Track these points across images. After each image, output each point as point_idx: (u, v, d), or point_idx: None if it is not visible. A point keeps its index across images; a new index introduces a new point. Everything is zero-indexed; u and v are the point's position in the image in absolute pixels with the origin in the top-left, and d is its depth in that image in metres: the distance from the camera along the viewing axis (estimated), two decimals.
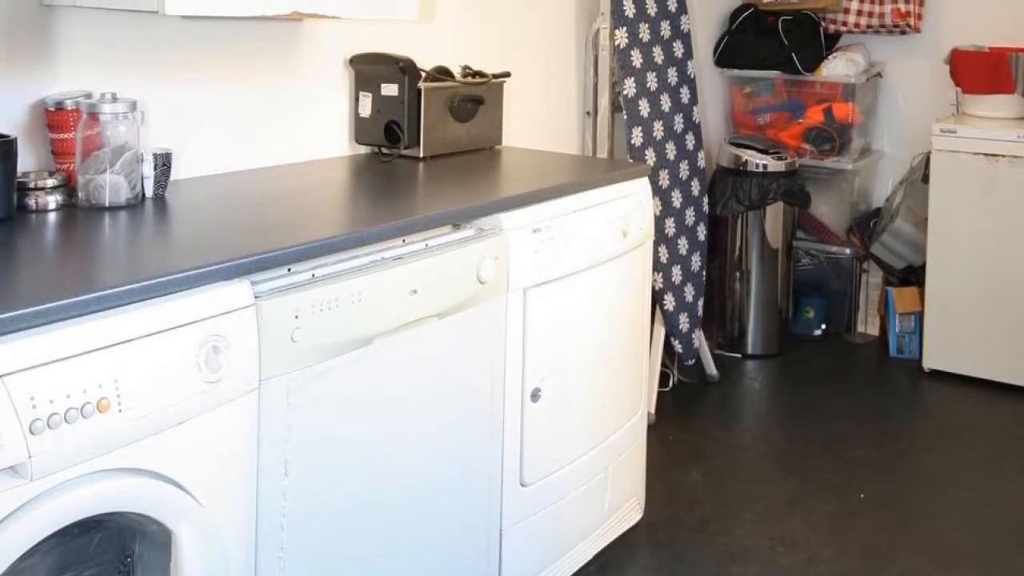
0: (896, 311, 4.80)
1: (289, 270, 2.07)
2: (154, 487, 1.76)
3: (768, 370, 4.69)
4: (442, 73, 3.23)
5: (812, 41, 4.97)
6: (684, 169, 4.15)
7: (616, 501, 3.10)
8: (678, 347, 4.17)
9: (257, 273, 1.98)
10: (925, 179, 4.59)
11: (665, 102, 4.06)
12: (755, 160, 4.69)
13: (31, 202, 2.23)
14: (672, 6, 4.18)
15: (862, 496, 3.51)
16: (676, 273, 4.08)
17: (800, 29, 4.97)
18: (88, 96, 2.36)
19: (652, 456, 3.43)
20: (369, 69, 3.14)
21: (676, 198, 4.09)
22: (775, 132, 5.06)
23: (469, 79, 3.31)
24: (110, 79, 2.51)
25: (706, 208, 4.31)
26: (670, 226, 4.06)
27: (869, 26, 4.98)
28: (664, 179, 4.02)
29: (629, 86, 3.91)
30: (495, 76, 3.38)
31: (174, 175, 2.54)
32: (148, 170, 2.40)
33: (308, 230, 2.18)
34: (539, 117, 4.00)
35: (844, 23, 5.02)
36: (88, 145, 2.28)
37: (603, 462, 3.00)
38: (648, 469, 3.33)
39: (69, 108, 2.33)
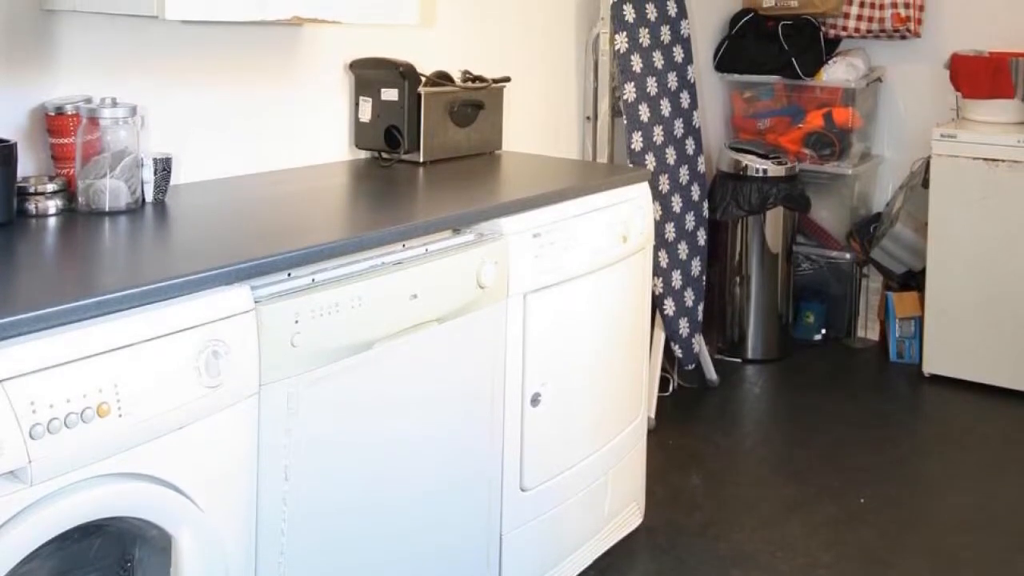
0: (896, 316, 4.80)
1: (289, 275, 2.07)
2: (154, 492, 1.76)
3: (768, 375, 4.69)
4: (442, 78, 3.23)
5: (812, 46, 4.97)
6: (684, 174, 4.15)
7: (616, 506, 3.10)
8: (678, 352, 4.17)
9: (257, 278, 1.98)
10: (925, 184, 4.59)
11: (665, 107, 4.06)
12: (755, 165, 4.69)
13: (31, 207, 2.23)
14: (672, 11, 4.18)
15: (862, 501, 3.51)
16: (676, 278, 4.08)
17: (800, 34, 4.97)
18: (88, 101, 2.36)
19: (652, 461, 3.43)
20: (369, 74, 3.14)
21: (676, 203, 4.09)
22: (775, 137, 5.06)
23: (469, 84, 3.31)
24: (110, 84, 2.51)
25: (706, 213, 4.31)
26: (670, 231, 4.06)
27: (869, 31, 4.98)
28: (664, 184, 4.02)
29: (629, 91, 3.91)
30: (495, 81, 3.38)
31: (174, 180, 2.54)
32: (148, 175, 2.40)
33: (308, 235, 2.18)
34: (539, 122, 4.01)
35: (844, 28, 5.02)
36: (88, 150, 2.28)
37: (603, 467, 3.00)
38: (648, 474, 3.33)
39: (69, 113, 2.33)
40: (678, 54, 4.18)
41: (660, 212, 3.98)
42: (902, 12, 4.89)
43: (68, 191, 2.31)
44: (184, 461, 1.80)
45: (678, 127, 4.13)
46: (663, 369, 4.25)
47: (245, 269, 1.94)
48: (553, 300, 2.71)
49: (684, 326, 4.14)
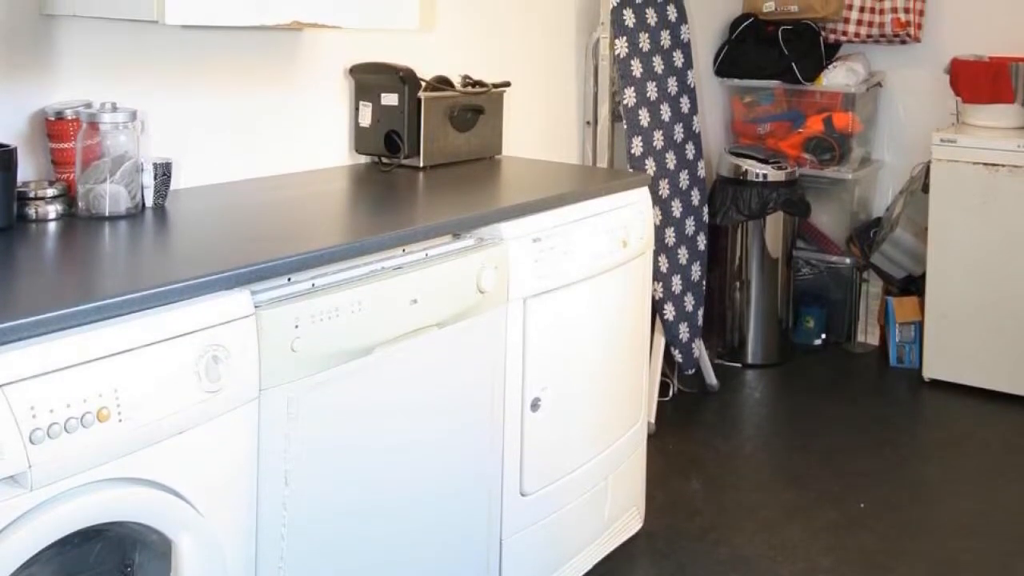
0: (896, 321, 4.80)
1: (289, 280, 2.07)
2: (154, 496, 1.76)
3: (768, 380, 4.69)
4: (442, 83, 3.23)
5: (812, 51, 4.97)
6: (684, 179, 4.16)
7: (616, 511, 3.10)
8: (678, 357, 4.17)
9: (257, 283, 1.98)
10: (925, 189, 4.59)
11: (665, 112, 4.07)
12: (755, 170, 4.69)
13: (31, 211, 2.23)
14: (672, 16, 4.18)
15: (862, 505, 3.50)
16: (676, 283, 4.08)
17: (800, 39, 4.97)
18: (88, 106, 2.36)
19: (652, 466, 3.43)
20: (369, 79, 3.14)
21: (676, 208, 4.10)
22: (775, 142, 5.06)
23: (469, 89, 3.31)
24: (110, 88, 2.51)
25: (706, 218, 4.31)
26: (670, 236, 4.06)
27: (869, 35, 4.99)
28: (664, 189, 4.02)
29: (629, 96, 3.91)
30: (495, 86, 3.38)
31: (174, 185, 2.54)
32: (148, 180, 2.40)
33: (308, 240, 2.18)
34: (539, 127, 4.01)
35: (844, 32, 5.03)
36: (88, 155, 2.28)
37: (603, 472, 3.00)
38: (648, 479, 3.33)
39: (69, 118, 2.33)
40: (678, 59, 4.19)
41: (660, 217, 3.98)
42: (902, 17, 4.90)
43: (68, 196, 2.30)
44: (184, 466, 1.80)
45: (678, 132, 4.13)
46: (663, 374, 4.25)
47: (245, 274, 1.94)
48: (553, 305, 2.71)
49: (684, 331, 4.14)
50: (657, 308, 3.98)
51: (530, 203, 2.68)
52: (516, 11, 3.87)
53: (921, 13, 4.95)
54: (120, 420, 1.67)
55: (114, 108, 2.31)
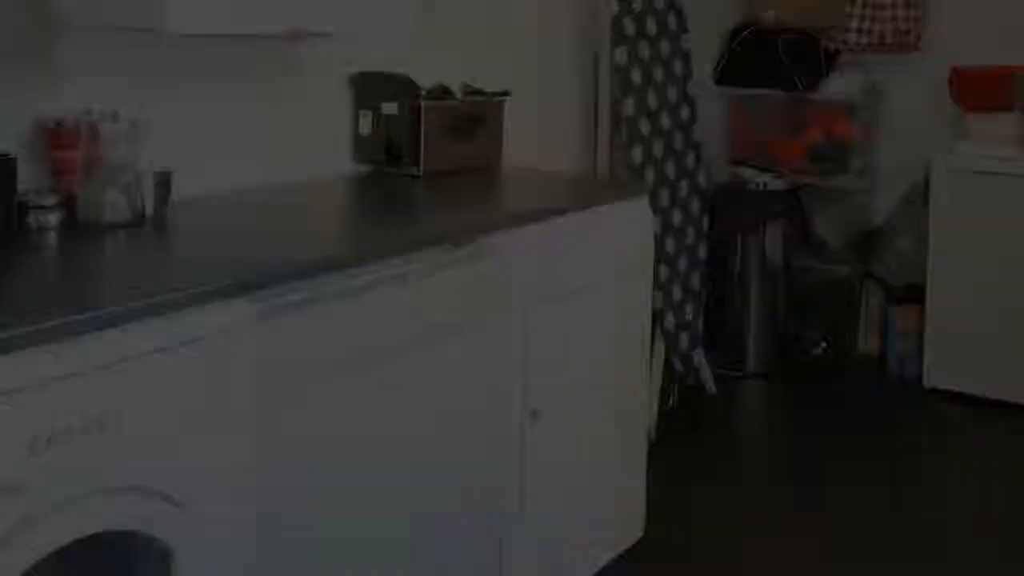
0: (896, 330, 4.79)
1: (289, 288, 2.06)
2: (155, 505, 1.76)
3: (768, 389, 4.69)
4: (442, 91, 3.23)
5: (812, 60, 4.97)
6: (684, 188, 4.16)
7: (616, 521, 3.09)
8: (678, 366, 4.17)
9: (257, 291, 1.97)
10: (925, 197, 4.59)
11: (665, 121, 4.07)
12: (755, 179, 4.70)
13: (31, 220, 2.23)
14: (672, 25, 4.19)
15: (862, 513, 3.50)
16: (676, 292, 4.08)
17: (800, 48, 4.97)
18: (89, 114, 2.36)
19: (652, 475, 3.42)
20: (369, 87, 3.14)
21: (676, 217, 4.10)
22: (775, 151, 5.06)
23: (469, 97, 3.31)
24: (111, 97, 2.51)
25: (706, 227, 4.31)
26: (670, 245, 4.06)
27: (869, 44, 4.98)
28: (664, 198, 4.03)
29: (629, 105, 3.91)
30: (495, 95, 3.38)
31: (174, 193, 2.54)
32: (148, 188, 2.40)
33: (308, 248, 2.18)
34: (539, 136, 4.00)
35: (844, 42, 5.02)
36: (89, 163, 2.28)
37: (603, 482, 2.99)
38: (648, 488, 3.32)
39: (70, 126, 2.33)
40: (678, 68, 4.19)
41: (660, 226, 3.98)
42: (903, 26, 4.90)
43: (68, 204, 2.30)
44: (185, 474, 1.80)
45: (678, 141, 4.14)
46: (663, 383, 4.24)
47: (245, 283, 1.94)
48: (553, 314, 2.71)
49: (684, 340, 4.14)
50: (657, 317, 3.98)
51: (530, 212, 2.68)
52: (516, 19, 3.88)
53: (921, 22, 4.94)
54: (120, 429, 1.67)
55: (115, 117, 2.31)
